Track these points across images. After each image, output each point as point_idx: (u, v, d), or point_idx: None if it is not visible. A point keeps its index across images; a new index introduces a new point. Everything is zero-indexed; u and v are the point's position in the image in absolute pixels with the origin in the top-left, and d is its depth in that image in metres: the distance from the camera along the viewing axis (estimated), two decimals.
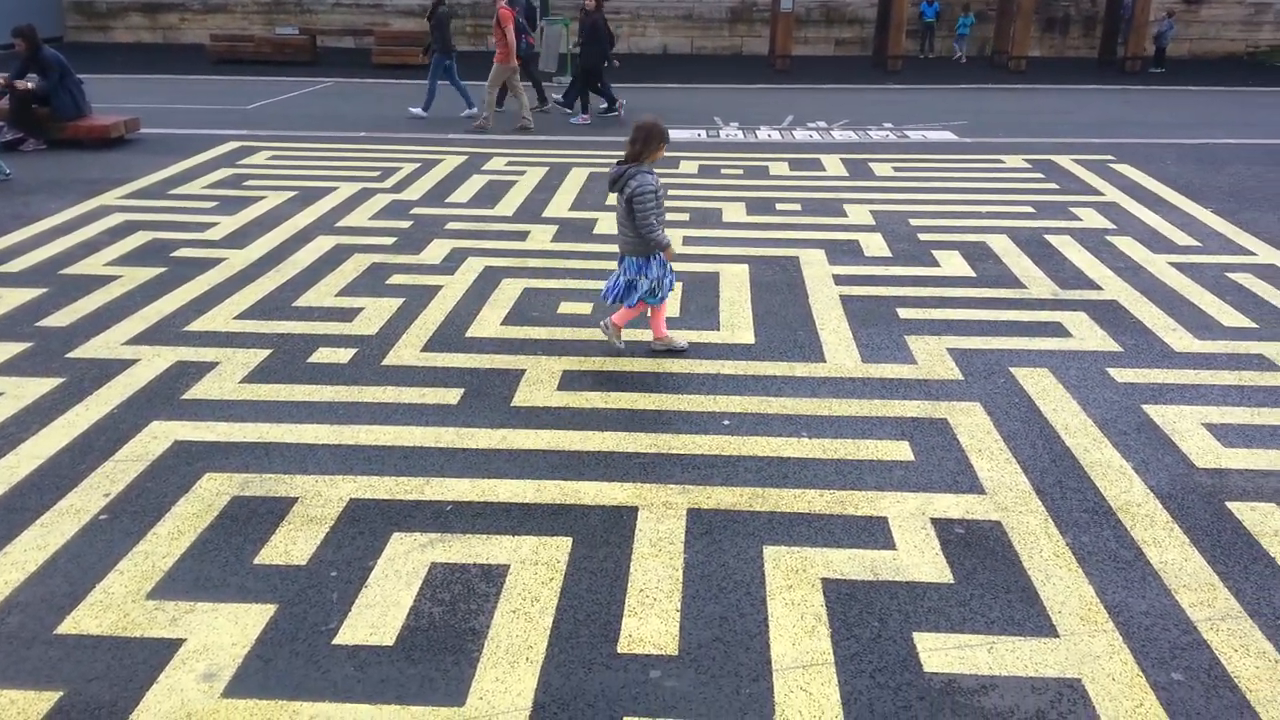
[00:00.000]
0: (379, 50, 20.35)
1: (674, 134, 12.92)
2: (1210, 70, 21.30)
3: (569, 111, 14.32)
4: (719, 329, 6.04)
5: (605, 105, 14.43)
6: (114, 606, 3.44)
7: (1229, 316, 6.34)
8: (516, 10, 13.26)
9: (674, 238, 7.93)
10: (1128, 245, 7.90)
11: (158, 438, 4.64)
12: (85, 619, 3.38)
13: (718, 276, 7.03)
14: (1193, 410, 5.03)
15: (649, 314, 5.71)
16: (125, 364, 5.45)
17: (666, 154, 11.28)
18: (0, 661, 3.18)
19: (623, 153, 5.53)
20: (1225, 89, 18.58)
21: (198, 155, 10.95)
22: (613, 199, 5.66)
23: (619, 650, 3.26)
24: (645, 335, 5.81)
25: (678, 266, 7.20)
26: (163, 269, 7.07)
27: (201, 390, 5.14)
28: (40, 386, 5.16)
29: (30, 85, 10.88)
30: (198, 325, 6.02)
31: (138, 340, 5.79)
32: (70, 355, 5.56)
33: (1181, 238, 8.15)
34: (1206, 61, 23.23)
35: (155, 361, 5.49)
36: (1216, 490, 4.29)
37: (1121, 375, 5.43)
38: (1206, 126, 13.99)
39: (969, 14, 22.87)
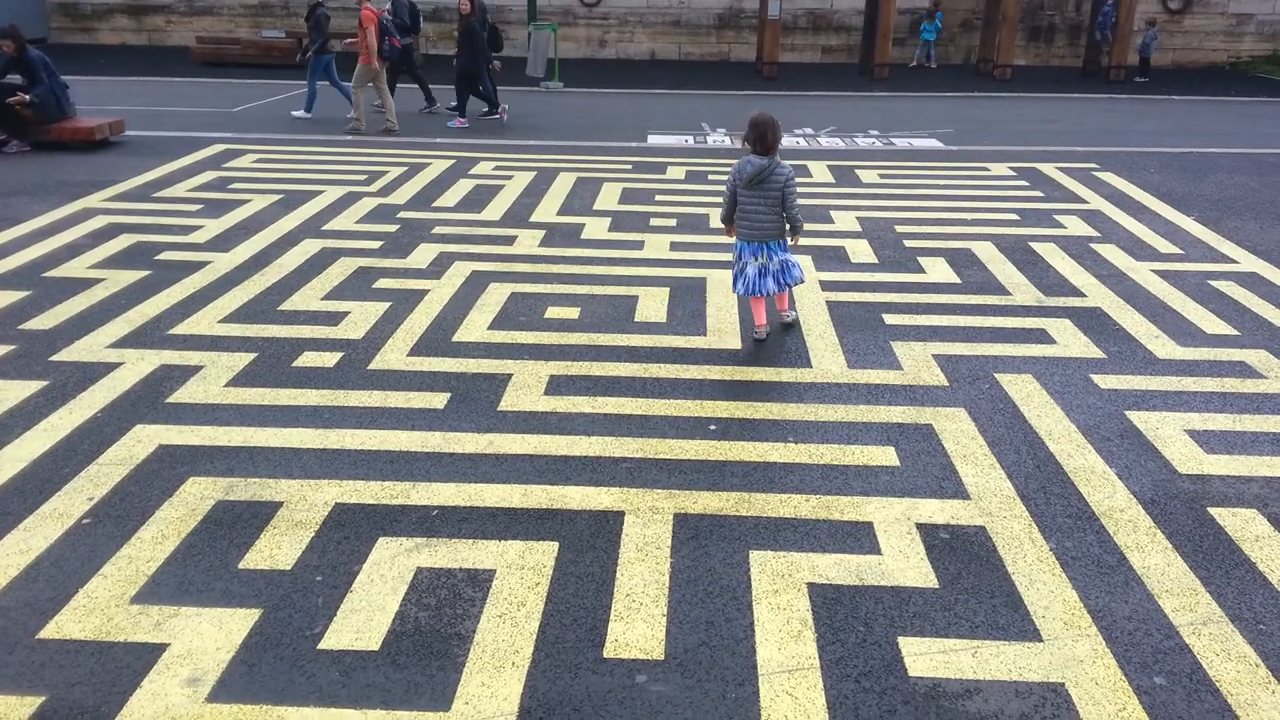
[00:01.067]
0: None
1: (662, 140, 12.98)
2: (1193, 80, 21.49)
3: (450, 113, 14.38)
4: (706, 334, 6.05)
5: (486, 109, 14.53)
6: (97, 611, 3.42)
7: (1211, 324, 6.40)
8: (383, 11, 13.35)
9: (662, 242, 7.98)
10: (1111, 253, 7.96)
11: (141, 441, 4.61)
12: (68, 623, 3.36)
13: (705, 282, 7.04)
14: (1175, 417, 5.07)
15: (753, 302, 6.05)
16: (109, 367, 5.42)
17: (654, 160, 11.36)
18: None
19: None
20: (1208, 98, 18.75)
21: (183, 158, 10.90)
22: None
23: (605, 655, 3.26)
24: (612, 339, 5.82)
25: (665, 272, 7.24)
26: (147, 272, 7.04)
27: (186, 394, 5.12)
28: (23, 390, 5.13)
29: (25, 98, 10.85)
30: (182, 329, 6.00)
31: (122, 344, 5.75)
32: (53, 358, 5.53)
33: (1164, 245, 8.22)
34: (1190, 71, 23.44)
35: (139, 365, 5.46)
36: (1199, 496, 4.32)
37: (1105, 382, 5.47)
38: (1189, 135, 14.12)
39: (934, 21, 23.16)
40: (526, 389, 5.24)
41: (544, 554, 3.80)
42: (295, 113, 14.21)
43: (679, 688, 3.12)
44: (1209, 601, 3.59)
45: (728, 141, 13.03)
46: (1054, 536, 3.98)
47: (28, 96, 10.86)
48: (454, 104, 14.35)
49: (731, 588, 3.62)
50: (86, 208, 8.74)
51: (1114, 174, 10.97)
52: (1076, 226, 8.75)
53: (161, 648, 3.24)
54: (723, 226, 6.15)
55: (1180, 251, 8.07)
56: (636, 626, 3.40)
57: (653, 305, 6.53)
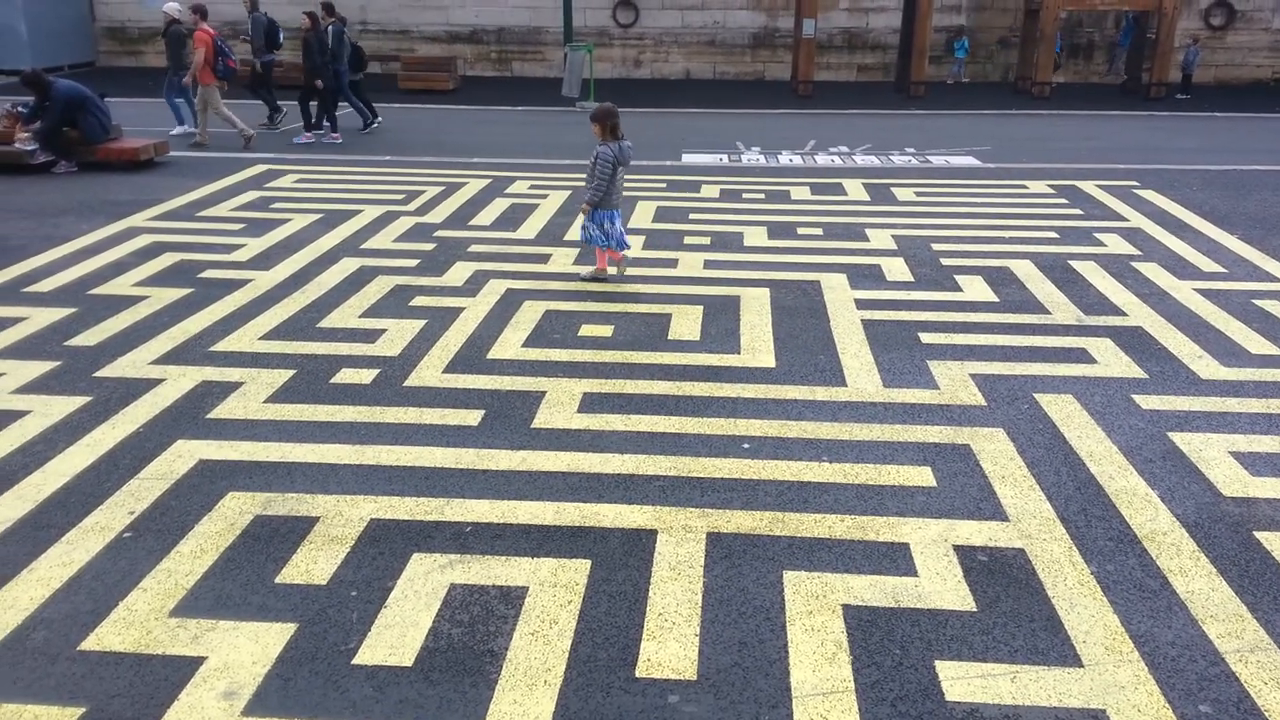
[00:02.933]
0: (404, 75, 20.56)
1: (697, 159, 13.02)
2: (1236, 96, 21.19)
3: (332, 134, 14.41)
4: (740, 352, 6.04)
5: (362, 123, 14.86)
6: (137, 624, 3.47)
7: (1256, 343, 6.28)
8: (217, 33, 13.44)
9: (696, 261, 8.00)
10: (1153, 271, 7.85)
11: (182, 456, 4.68)
12: (108, 636, 3.40)
13: (739, 300, 7.03)
14: (1219, 438, 4.97)
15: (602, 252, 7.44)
16: (151, 383, 5.51)
17: (689, 178, 11.39)
18: (25, 677, 3.20)
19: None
20: (1251, 115, 18.47)
21: (225, 178, 11.09)
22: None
23: (637, 674, 3.25)
24: (661, 358, 5.83)
25: (699, 290, 7.24)
26: (190, 290, 7.16)
27: (226, 410, 5.19)
28: (68, 405, 5.23)
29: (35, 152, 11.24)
30: (223, 345, 6.08)
31: (164, 360, 5.85)
32: (97, 374, 5.63)
33: (1207, 264, 8.09)
34: (1232, 88, 23.12)
35: (181, 381, 5.54)
36: (1244, 519, 4.23)
37: (1147, 402, 5.38)
38: (1232, 152, 13.90)
39: (963, 38, 23.16)
40: (560, 406, 5.26)
41: (576, 572, 3.79)
42: (174, 130, 14.28)
43: (711, 709, 3.10)
44: (1256, 628, 3.51)
45: (762, 160, 13.03)
46: (1095, 560, 3.91)
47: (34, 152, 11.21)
48: (326, 121, 14.51)
49: (765, 608, 3.60)
50: (131, 227, 8.92)
51: (1155, 191, 10.82)
52: (1117, 245, 8.64)
53: (199, 661, 3.28)
54: (585, 210, 7.28)
55: (1223, 270, 7.93)
56: (669, 646, 3.38)
57: (686, 323, 6.53)
